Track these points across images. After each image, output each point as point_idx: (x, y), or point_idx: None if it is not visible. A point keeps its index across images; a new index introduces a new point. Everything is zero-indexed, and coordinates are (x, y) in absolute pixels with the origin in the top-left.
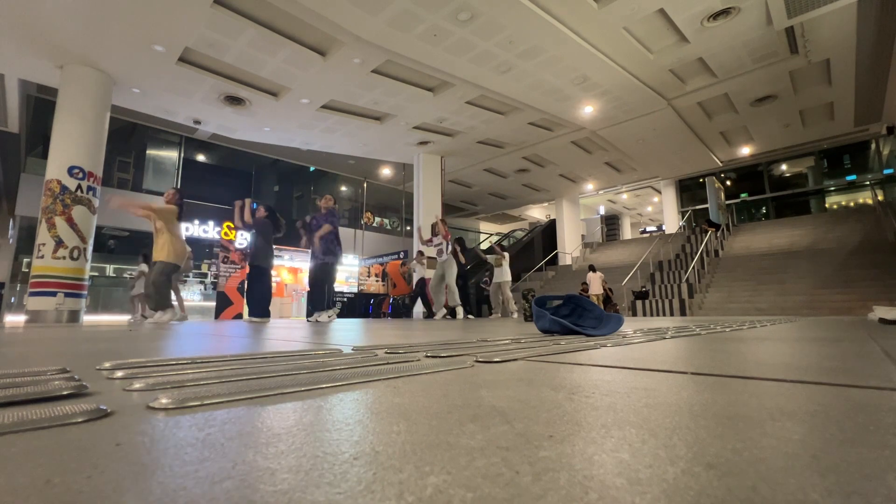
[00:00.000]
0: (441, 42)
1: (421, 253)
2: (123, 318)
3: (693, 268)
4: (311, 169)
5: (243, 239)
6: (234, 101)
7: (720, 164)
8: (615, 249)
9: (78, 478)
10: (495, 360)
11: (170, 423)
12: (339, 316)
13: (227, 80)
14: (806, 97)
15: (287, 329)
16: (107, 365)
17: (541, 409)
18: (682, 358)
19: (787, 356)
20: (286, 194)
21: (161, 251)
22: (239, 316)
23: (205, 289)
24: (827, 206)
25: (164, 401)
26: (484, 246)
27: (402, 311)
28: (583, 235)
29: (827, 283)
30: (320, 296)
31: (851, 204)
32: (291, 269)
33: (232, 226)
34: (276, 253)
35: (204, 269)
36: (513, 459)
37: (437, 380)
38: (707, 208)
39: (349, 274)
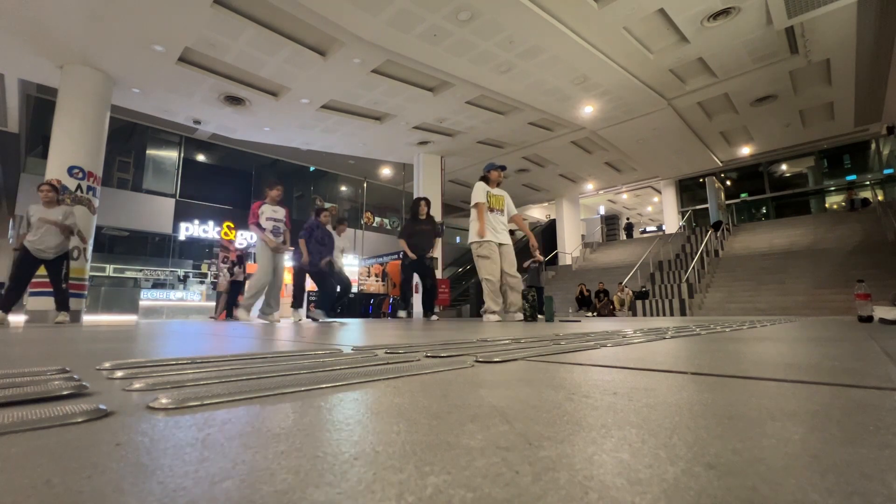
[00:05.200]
0: (441, 42)
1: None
2: (122, 319)
3: (693, 268)
4: (311, 169)
5: (243, 239)
6: (234, 101)
7: (720, 164)
8: (615, 249)
9: (78, 478)
10: (495, 360)
11: (170, 423)
12: (338, 316)
13: (227, 80)
14: (806, 97)
15: (287, 329)
16: (107, 365)
17: (541, 409)
18: (682, 358)
19: (787, 356)
20: (286, 194)
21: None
22: None
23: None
24: (827, 206)
25: (164, 401)
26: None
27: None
28: (583, 235)
29: (827, 283)
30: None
31: None
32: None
33: (232, 225)
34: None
35: (204, 269)
36: (513, 459)
37: (437, 380)
38: (707, 208)
39: (349, 274)
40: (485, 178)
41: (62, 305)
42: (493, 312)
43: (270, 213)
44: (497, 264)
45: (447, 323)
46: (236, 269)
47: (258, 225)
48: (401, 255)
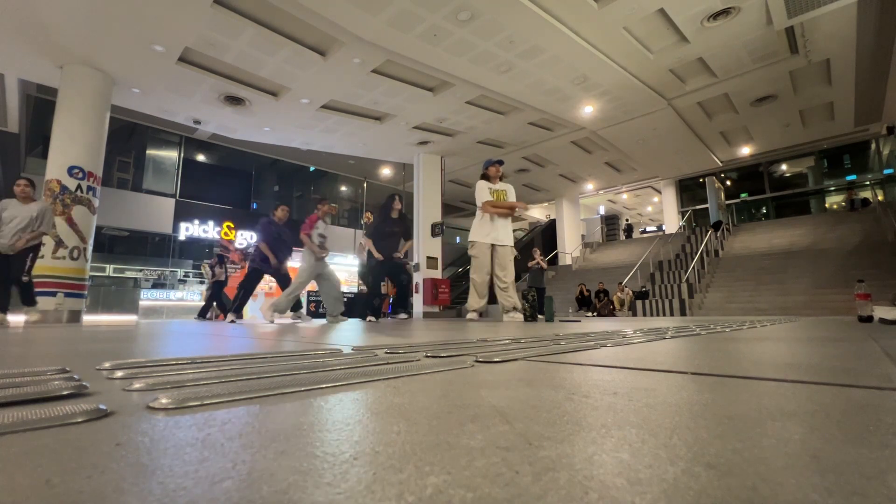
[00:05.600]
0: (441, 42)
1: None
2: (122, 319)
3: (693, 268)
4: (311, 169)
5: (243, 239)
6: (233, 101)
7: (720, 164)
8: (615, 249)
9: (78, 478)
10: (495, 360)
11: (170, 423)
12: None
13: (227, 80)
14: (806, 97)
15: (287, 329)
16: (107, 365)
17: (541, 409)
18: (682, 358)
19: (787, 356)
20: (286, 194)
21: None
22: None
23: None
24: (827, 206)
25: (164, 401)
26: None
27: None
28: (583, 235)
29: (827, 283)
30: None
31: None
32: (292, 268)
33: (232, 225)
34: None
35: (203, 269)
36: (513, 459)
37: (437, 380)
38: (707, 208)
39: (349, 274)
40: (485, 176)
41: (27, 301)
42: (474, 311)
43: (323, 229)
44: (485, 265)
45: (447, 323)
46: (217, 269)
47: (309, 236)
48: (366, 255)
